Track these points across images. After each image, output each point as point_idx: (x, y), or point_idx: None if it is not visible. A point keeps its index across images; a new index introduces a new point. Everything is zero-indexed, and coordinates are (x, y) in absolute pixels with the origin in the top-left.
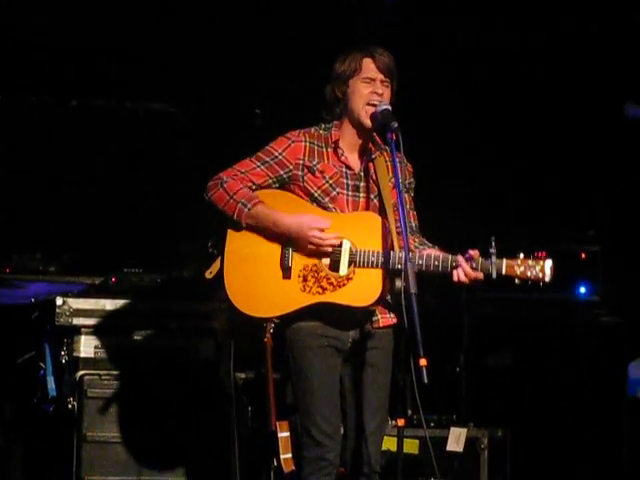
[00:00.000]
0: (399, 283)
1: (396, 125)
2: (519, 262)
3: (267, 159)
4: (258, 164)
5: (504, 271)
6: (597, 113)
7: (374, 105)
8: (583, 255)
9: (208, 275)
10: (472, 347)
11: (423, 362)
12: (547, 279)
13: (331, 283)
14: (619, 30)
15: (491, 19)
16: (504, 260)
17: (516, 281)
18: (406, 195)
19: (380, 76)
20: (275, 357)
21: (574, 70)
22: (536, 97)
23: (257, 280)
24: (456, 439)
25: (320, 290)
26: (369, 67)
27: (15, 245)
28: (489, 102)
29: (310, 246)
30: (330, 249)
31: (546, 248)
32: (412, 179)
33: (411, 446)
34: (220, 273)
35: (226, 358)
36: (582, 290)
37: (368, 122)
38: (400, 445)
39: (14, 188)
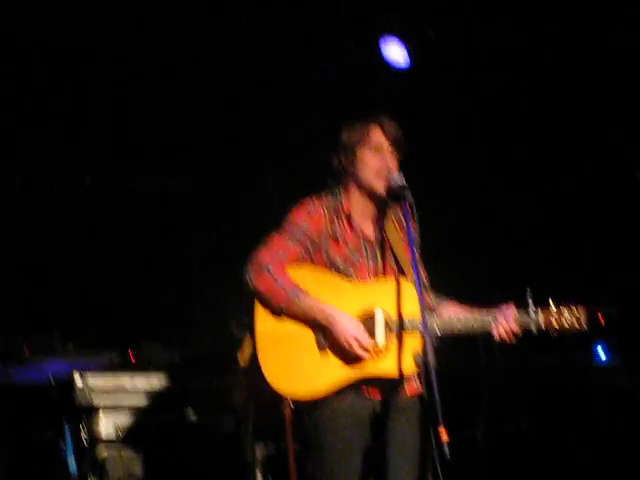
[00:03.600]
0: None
1: (412, 200)
2: (554, 313)
3: (296, 233)
4: (292, 242)
5: (542, 325)
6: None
7: (385, 177)
8: (602, 319)
9: (242, 363)
10: (491, 413)
11: (445, 438)
12: (585, 328)
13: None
14: None
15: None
16: (539, 312)
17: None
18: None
19: (388, 145)
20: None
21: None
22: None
23: (295, 360)
24: None
25: (361, 363)
26: (377, 136)
27: (32, 324)
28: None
29: (343, 344)
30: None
31: None
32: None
33: None
34: (254, 356)
35: (246, 433)
36: (601, 354)
37: (382, 191)
38: None
39: (31, 267)
